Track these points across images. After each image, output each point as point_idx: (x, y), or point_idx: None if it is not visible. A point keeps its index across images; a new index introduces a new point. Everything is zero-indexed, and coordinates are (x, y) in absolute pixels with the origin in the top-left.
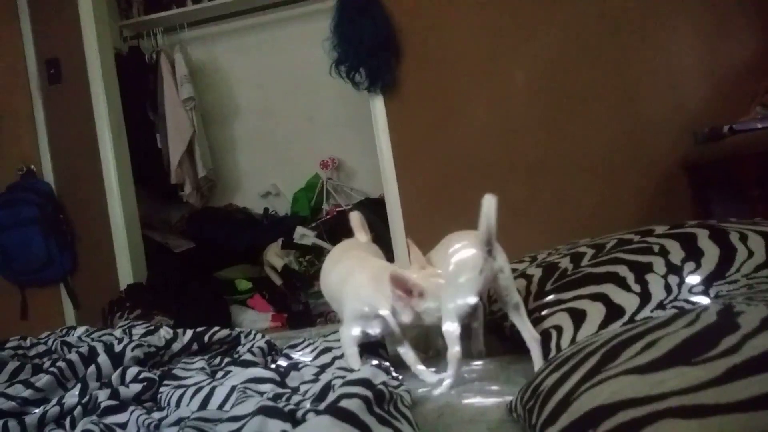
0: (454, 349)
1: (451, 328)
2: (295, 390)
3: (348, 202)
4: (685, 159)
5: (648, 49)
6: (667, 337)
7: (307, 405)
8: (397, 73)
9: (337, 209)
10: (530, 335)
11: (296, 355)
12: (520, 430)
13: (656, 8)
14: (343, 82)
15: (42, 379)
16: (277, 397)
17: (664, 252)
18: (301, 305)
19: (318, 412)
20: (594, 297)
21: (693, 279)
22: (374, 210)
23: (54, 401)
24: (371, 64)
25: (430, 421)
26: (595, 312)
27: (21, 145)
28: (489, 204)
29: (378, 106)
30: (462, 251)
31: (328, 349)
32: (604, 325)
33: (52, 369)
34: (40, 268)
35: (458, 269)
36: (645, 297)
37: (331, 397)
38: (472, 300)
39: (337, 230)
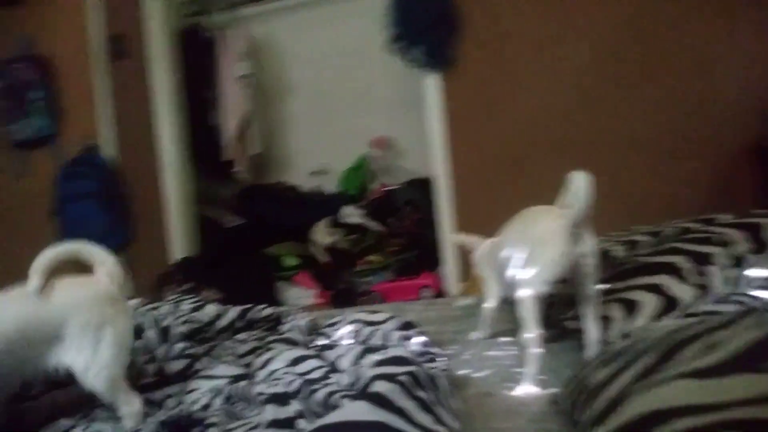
0: (532, 334)
1: (525, 315)
2: (334, 366)
3: (396, 181)
4: (754, 142)
5: (717, 24)
6: (731, 339)
7: (345, 384)
8: (455, 50)
9: (385, 188)
10: (593, 333)
11: (335, 334)
12: (562, 423)
13: None
14: (397, 59)
15: None
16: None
17: (725, 243)
18: (346, 283)
19: (353, 397)
20: (648, 288)
21: (755, 272)
22: (422, 190)
23: None
24: (428, 41)
25: (470, 409)
26: (648, 303)
27: (84, 120)
28: (581, 181)
29: (432, 84)
30: (543, 231)
31: (366, 324)
32: (657, 317)
33: None
34: (97, 239)
35: (537, 252)
36: (703, 289)
37: (365, 377)
38: (548, 286)
39: (383, 210)
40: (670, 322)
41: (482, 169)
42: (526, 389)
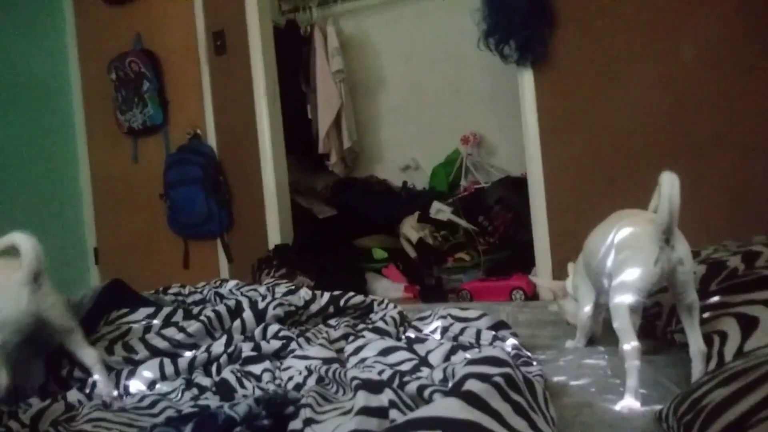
0: (628, 344)
1: (620, 326)
2: (424, 359)
3: (487, 179)
4: None
5: None
6: None
7: (436, 381)
8: (550, 45)
9: (475, 186)
10: (697, 347)
11: (425, 329)
12: None
13: None
14: (490, 54)
15: (193, 326)
16: (403, 374)
17: None
18: (434, 279)
19: (445, 393)
20: None
21: None
22: (514, 189)
23: (203, 348)
24: (522, 35)
25: (566, 418)
26: None
27: (190, 110)
28: (671, 182)
29: (526, 79)
30: (633, 237)
31: (457, 320)
32: None
33: (202, 318)
34: (201, 223)
35: (627, 257)
36: None
37: (458, 374)
38: (642, 295)
39: (474, 207)
40: None
41: (576, 170)
42: (629, 404)
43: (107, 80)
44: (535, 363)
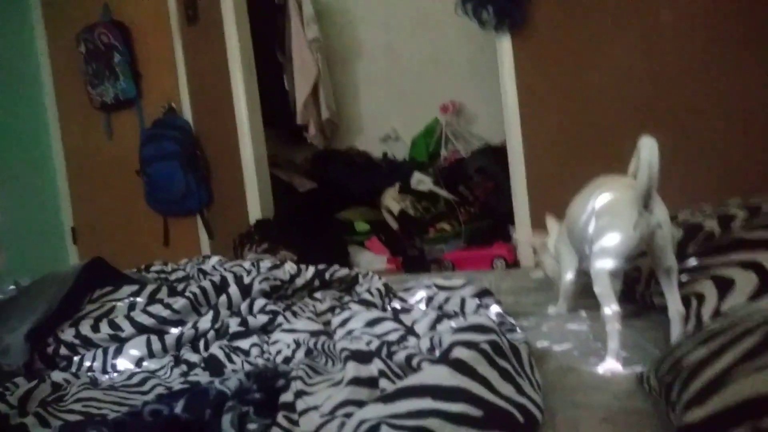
0: (609, 309)
1: (601, 291)
2: (410, 329)
3: (467, 148)
4: None
5: None
6: None
7: (423, 350)
8: (528, 10)
9: (456, 155)
10: (676, 308)
11: (411, 299)
12: (651, 403)
13: None
14: (469, 21)
15: (179, 302)
16: (390, 344)
17: None
18: (417, 250)
19: (433, 361)
20: (745, 265)
21: None
22: (494, 158)
23: (190, 324)
24: (499, 0)
25: (552, 382)
26: (745, 281)
27: (163, 83)
28: (650, 147)
29: (505, 46)
30: (612, 203)
31: (441, 289)
32: (755, 296)
33: (187, 294)
34: (180, 199)
35: (608, 225)
36: None
37: (445, 342)
38: (622, 261)
39: (454, 177)
40: None
41: (556, 137)
42: (610, 366)
43: (76, 53)
44: (519, 329)
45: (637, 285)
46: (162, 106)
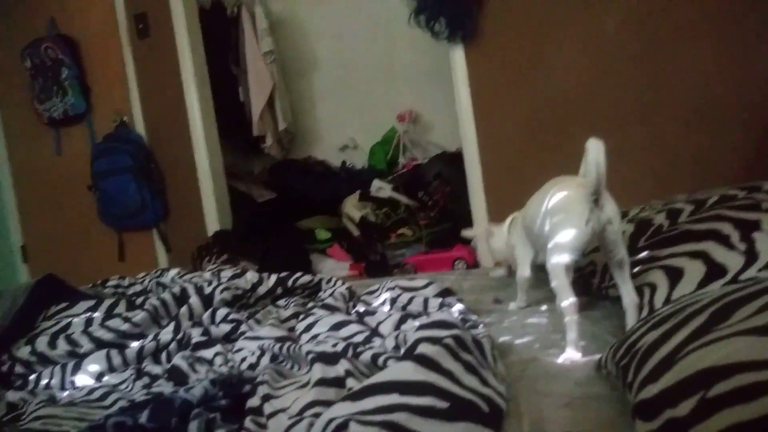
0: (566, 301)
1: (558, 285)
2: (375, 331)
3: (425, 155)
4: None
5: None
6: None
7: (388, 348)
8: (479, 21)
9: (414, 162)
10: (630, 298)
11: (374, 302)
12: (609, 387)
13: None
14: (421, 32)
15: (138, 315)
16: (356, 345)
17: None
18: (378, 255)
19: (399, 359)
20: (693, 255)
21: None
22: (451, 163)
23: (151, 336)
24: (451, 12)
25: (515, 374)
26: (694, 270)
27: (114, 97)
28: (596, 149)
29: (457, 55)
30: (565, 201)
31: (405, 290)
32: (703, 284)
33: (147, 306)
34: (134, 213)
35: (561, 220)
36: (751, 256)
37: (410, 340)
38: (576, 255)
39: (413, 183)
40: (717, 289)
41: (510, 141)
42: (570, 355)
43: (21, 69)
44: (481, 325)
45: (593, 278)
46: (113, 120)
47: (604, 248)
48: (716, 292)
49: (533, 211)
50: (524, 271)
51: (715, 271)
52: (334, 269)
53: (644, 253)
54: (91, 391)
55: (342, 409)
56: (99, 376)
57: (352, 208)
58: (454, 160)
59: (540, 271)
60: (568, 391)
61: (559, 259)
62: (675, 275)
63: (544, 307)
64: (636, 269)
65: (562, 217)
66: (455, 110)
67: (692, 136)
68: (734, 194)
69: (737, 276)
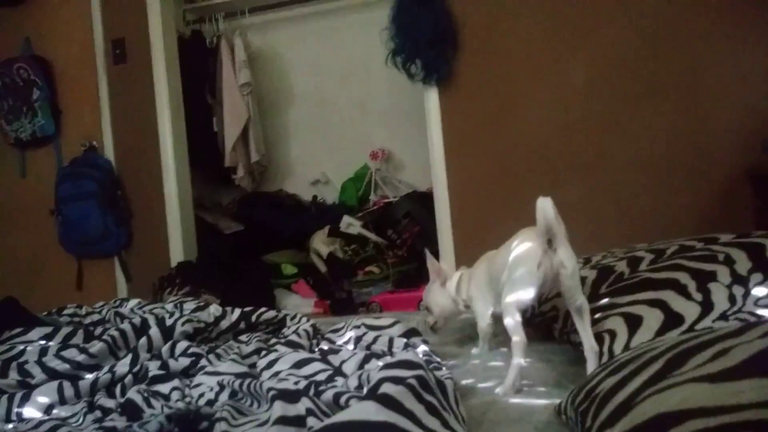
0: (517, 336)
1: (510, 322)
2: (338, 370)
3: (395, 194)
4: (751, 167)
5: (716, 50)
6: (741, 346)
7: (351, 388)
8: (454, 66)
9: (384, 200)
10: (589, 345)
11: (339, 340)
12: (568, 429)
13: (725, 7)
14: (398, 73)
15: (95, 346)
16: (318, 384)
17: (729, 261)
18: (345, 293)
19: (361, 398)
20: (652, 303)
21: (760, 291)
22: (421, 203)
23: (106, 369)
24: (428, 55)
25: (476, 417)
26: (653, 318)
27: (85, 121)
28: (543, 206)
29: (432, 98)
30: (521, 245)
31: (370, 329)
32: (661, 332)
33: (105, 337)
34: (96, 240)
35: (515, 262)
36: (707, 306)
37: (373, 379)
38: (529, 295)
39: (383, 221)
40: (675, 336)
41: (480, 184)
42: (504, 391)
43: None
44: (444, 368)
45: (555, 324)
46: (82, 144)
47: (563, 294)
48: (673, 339)
49: (500, 261)
50: (484, 322)
51: (672, 319)
52: (298, 306)
53: (605, 300)
54: (39, 424)
55: None
56: (48, 409)
57: (321, 243)
58: (424, 200)
59: (499, 322)
60: None
61: (513, 298)
62: (634, 323)
63: (505, 350)
64: (596, 315)
65: (517, 260)
66: (426, 150)
67: (652, 188)
68: (692, 245)
69: (693, 325)
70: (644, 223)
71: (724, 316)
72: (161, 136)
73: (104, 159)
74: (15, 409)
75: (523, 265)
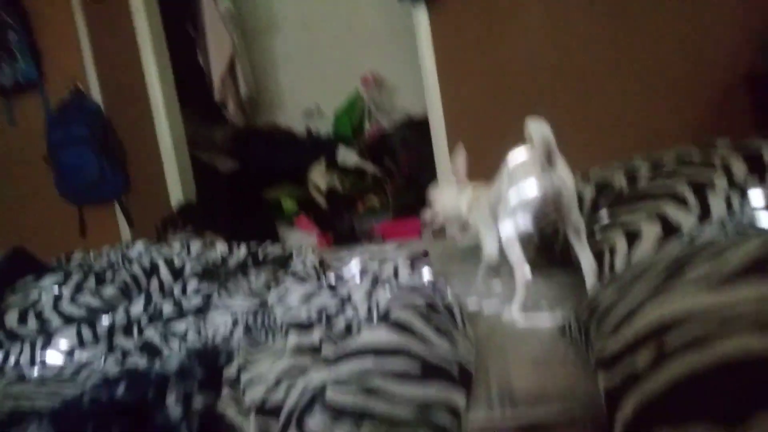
0: (520, 270)
1: (512, 257)
2: (347, 300)
3: (390, 120)
4: (749, 69)
5: None
6: (738, 251)
7: (361, 316)
8: None
9: (379, 129)
10: (589, 265)
11: (345, 271)
12: (573, 348)
13: None
14: None
15: (108, 290)
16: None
17: (726, 167)
18: (346, 225)
19: (372, 324)
20: (650, 215)
21: (757, 197)
22: (417, 130)
23: (121, 311)
24: None
25: (482, 337)
26: (651, 231)
27: (67, 63)
28: (537, 125)
29: (421, 17)
30: (519, 166)
31: (375, 257)
32: (660, 243)
33: (117, 281)
34: (93, 185)
35: (512, 187)
36: (704, 214)
37: (382, 306)
38: (529, 221)
39: (379, 151)
40: (674, 247)
41: (475, 106)
42: (515, 315)
43: None
44: (449, 291)
45: (555, 243)
46: (67, 87)
47: (560, 215)
48: (672, 250)
49: (496, 190)
50: (490, 248)
51: (670, 230)
52: (301, 240)
53: (603, 216)
54: (62, 368)
55: (319, 376)
56: (69, 353)
57: (319, 177)
58: (419, 127)
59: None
60: (534, 352)
61: (512, 225)
62: (634, 237)
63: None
64: (596, 232)
65: (515, 183)
66: (420, 73)
67: (649, 97)
68: (690, 153)
69: (692, 235)
70: (642, 134)
71: (721, 223)
72: (147, 74)
73: (92, 102)
74: (38, 355)
75: (521, 189)
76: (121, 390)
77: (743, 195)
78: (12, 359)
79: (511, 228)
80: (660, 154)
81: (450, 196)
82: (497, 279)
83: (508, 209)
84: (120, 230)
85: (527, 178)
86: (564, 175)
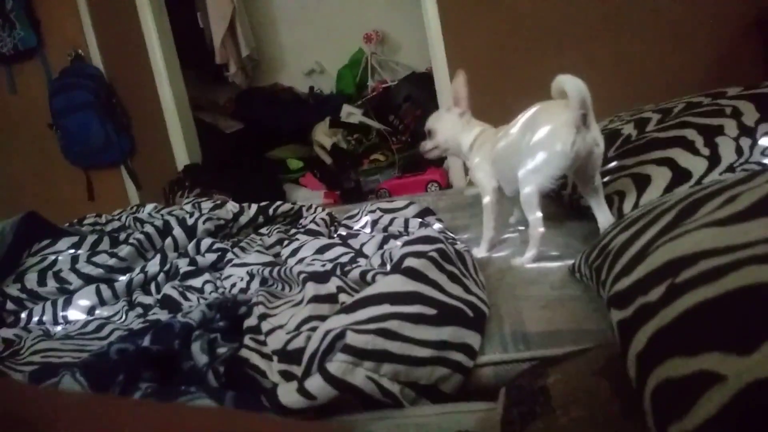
0: (536, 226)
1: (532, 218)
2: (360, 252)
3: (393, 77)
4: (760, 12)
5: None
6: (749, 191)
7: (375, 266)
8: None
9: (383, 85)
10: (606, 219)
11: (356, 225)
12: (583, 288)
13: None
14: None
15: (124, 250)
16: (343, 266)
17: (736, 114)
18: (353, 182)
19: (386, 273)
20: (659, 162)
21: (767, 141)
22: (421, 85)
23: (138, 269)
24: None
25: (493, 282)
26: (660, 176)
27: (67, 29)
28: (574, 81)
29: None
30: (547, 123)
31: (385, 212)
32: (669, 189)
33: (131, 240)
34: (99, 150)
35: (542, 143)
36: (714, 160)
37: (396, 255)
38: (555, 180)
39: (383, 107)
40: (684, 190)
41: (479, 60)
42: (527, 261)
43: None
44: (459, 242)
45: (564, 190)
46: (68, 53)
47: (584, 173)
48: (682, 193)
49: (513, 142)
50: (488, 197)
51: (680, 176)
52: (308, 198)
53: (613, 163)
54: (86, 324)
55: (338, 321)
56: (90, 310)
57: (323, 135)
58: (423, 82)
59: (504, 197)
60: (545, 294)
61: (534, 186)
62: (643, 182)
63: (512, 221)
64: (606, 179)
65: (547, 141)
66: (423, 29)
67: (658, 45)
68: (699, 101)
69: (701, 179)
70: (651, 83)
71: (731, 168)
72: (147, 38)
73: (93, 67)
74: (60, 313)
75: (552, 146)
76: (147, 340)
77: (753, 139)
78: (35, 318)
79: (534, 185)
80: (670, 102)
81: (451, 125)
82: (502, 226)
83: (533, 165)
84: (128, 193)
85: (559, 136)
86: (597, 136)
